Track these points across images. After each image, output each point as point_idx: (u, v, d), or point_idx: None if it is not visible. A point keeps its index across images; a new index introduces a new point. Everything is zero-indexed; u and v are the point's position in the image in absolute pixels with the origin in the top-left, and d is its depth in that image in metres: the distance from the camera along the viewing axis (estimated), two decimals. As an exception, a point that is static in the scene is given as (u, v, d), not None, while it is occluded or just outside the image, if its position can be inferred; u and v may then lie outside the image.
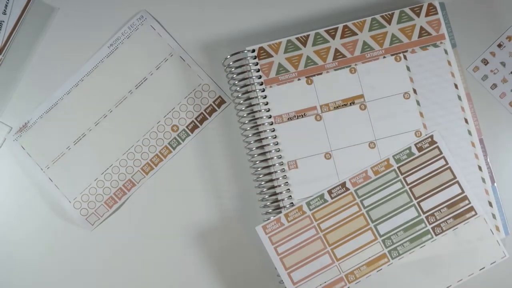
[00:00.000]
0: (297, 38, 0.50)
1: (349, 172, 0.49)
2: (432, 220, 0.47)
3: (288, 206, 0.48)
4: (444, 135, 0.48)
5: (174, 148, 0.53)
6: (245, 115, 0.50)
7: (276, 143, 0.49)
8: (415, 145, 0.48)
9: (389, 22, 0.49)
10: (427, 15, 0.49)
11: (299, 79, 0.49)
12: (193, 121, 0.52)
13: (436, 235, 0.47)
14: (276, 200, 0.49)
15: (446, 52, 0.49)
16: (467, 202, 0.47)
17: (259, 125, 0.49)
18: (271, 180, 0.49)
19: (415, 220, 0.48)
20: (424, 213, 0.48)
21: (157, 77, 0.53)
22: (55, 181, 0.53)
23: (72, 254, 0.53)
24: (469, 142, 0.48)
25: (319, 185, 0.48)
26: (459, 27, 0.51)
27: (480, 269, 0.47)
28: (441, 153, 0.48)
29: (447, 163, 0.48)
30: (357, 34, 0.49)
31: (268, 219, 0.48)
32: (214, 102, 0.53)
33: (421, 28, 0.49)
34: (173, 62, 0.53)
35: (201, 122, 0.52)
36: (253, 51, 0.50)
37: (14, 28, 0.53)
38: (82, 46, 0.53)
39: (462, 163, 0.48)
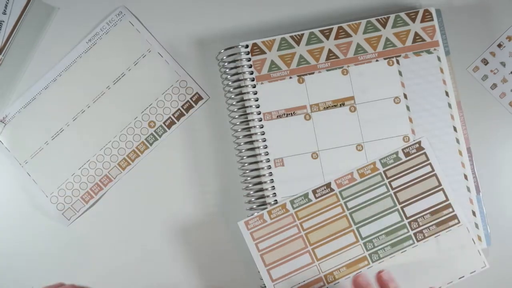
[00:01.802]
0: (291, 37, 0.50)
1: (335, 173, 0.49)
2: (414, 225, 0.47)
3: (272, 203, 0.48)
4: (432, 142, 0.48)
5: (151, 144, 0.53)
6: (235, 110, 0.50)
7: (264, 140, 0.49)
8: (402, 150, 0.48)
9: (384, 26, 0.49)
10: (422, 21, 0.49)
11: (290, 78, 0.49)
12: (170, 117, 0.53)
13: (417, 241, 0.47)
14: (262, 197, 0.49)
15: (439, 59, 0.49)
16: (450, 210, 0.47)
17: (249, 120, 0.50)
18: (257, 177, 0.49)
19: (397, 225, 0.48)
20: (407, 218, 0.48)
21: (135, 72, 0.53)
22: (33, 175, 0.53)
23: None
24: (456, 150, 0.48)
25: (305, 185, 0.49)
26: (458, 28, 0.52)
27: (460, 278, 0.47)
28: (427, 159, 0.48)
29: (433, 170, 0.48)
30: (351, 36, 0.49)
31: (252, 214, 0.48)
32: (191, 98, 0.53)
33: (416, 34, 0.49)
34: (151, 58, 0.53)
35: (178, 118, 0.53)
36: (247, 46, 0.50)
37: (14, 28, 0.53)
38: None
39: (448, 171, 0.48)
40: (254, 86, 0.49)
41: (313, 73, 0.49)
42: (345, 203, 0.48)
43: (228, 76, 0.50)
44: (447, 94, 0.49)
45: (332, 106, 0.49)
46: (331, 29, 0.50)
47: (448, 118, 0.49)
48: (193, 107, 0.53)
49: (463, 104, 0.50)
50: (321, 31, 0.50)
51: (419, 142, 0.48)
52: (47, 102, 0.53)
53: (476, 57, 0.52)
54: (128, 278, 0.52)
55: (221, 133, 0.52)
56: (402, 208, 0.48)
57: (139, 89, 0.53)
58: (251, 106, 0.49)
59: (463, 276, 0.47)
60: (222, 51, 0.50)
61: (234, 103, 0.50)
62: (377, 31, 0.49)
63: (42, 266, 0.53)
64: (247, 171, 0.49)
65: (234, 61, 0.50)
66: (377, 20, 0.49)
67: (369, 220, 0.48)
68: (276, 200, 0.48)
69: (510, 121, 0.52)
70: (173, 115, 0.53)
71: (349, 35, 0.49)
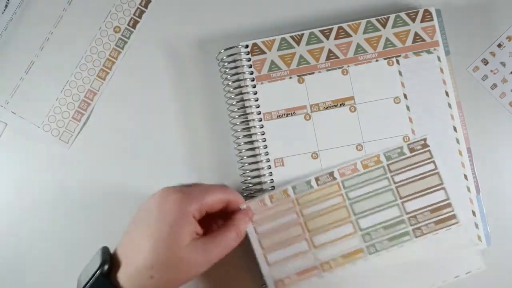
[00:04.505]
0: (291, 37, 0.50)
1: (335, 173, 0.49)
2: (413, 221, 0.47)
3: (272, 203, 0.48)
4: (432, 142, 0.48)
5: (122, 48, 0.54)
6: (235, 109, 0.50)
7: (264, 140, 0.49)
8: (408, 145, 0.48)
9: (384, 26, 0.49)
10: (422, 21, 0.49)
11: (290, 77, 0.49)
12: (132, 17, 0.54)
13: (416, 237, 0.47)
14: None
15: (439, 59, 0.49)
16: (450, 209, 0.47)
17: (249, 120, 0.50)
18: (257, 177, 0.49)
19: (396, 220, 0.47)
20: (406, 213, 0.47)
21: None
22: (19, 112, 0.54)
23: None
24: (456, 150, 0.48)
25: (305, 184, 0.49)
26: (458, 29, 0.51)
27: (455, 277, 0.47)
28: (431, 157, 0.48)
29: (436, 168, 0.48)
30: (351, 36, 0.49)
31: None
32: None
33: (416, 34, 0.49)
34: None
35: (140, 16, 0.54)
36: (247, 46, 0.50)
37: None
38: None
39: (448, 171, 0.48)
40: (254, 86, 0.49)
41: (313, 73, 0.49)
42: (346, 193, 0.48)
43: (228, 76, 0.50)
44: (447, 94, 0.49)
45: (332, 106, 0.49)
46: (331, 29, 0.50)
47: (448, 118, 0.49)
48: (150, 2, 0.54)
49: (463, 104, 0.50)
50: (321, 31, 0.50)
51: (425, 139, 0.48)
52: (11, 40, 0.54)
53: (476, 57, 0.52)
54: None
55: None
56: (402, 203, 0.47)
57: (95, 2, 0.54)
58: (251, 106, 0.49)
59: (458, 276, 0.47)
60: (222, 51, 0.50)
61: (234, 103, 0.50)
62: (377, 31, 0.49)
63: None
64: (247, 171, 0.49)
65: (234, 61, 0.50)
66: (377, 20, 0.49)
67: (369, 212, 0.47)
68: (276, 200, 0.48)
69: (510, 121, 0.52)
70: (133, 14, 0.54)
71: (349, 35, 0.49)
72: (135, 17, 0.54)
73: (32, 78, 0.54)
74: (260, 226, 0.47)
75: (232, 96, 0.50)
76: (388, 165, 0.48)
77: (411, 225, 0.47)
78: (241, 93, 0.50)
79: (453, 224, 0.47)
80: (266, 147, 0.49)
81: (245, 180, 0.49)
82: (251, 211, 0.47)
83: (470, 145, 0.49)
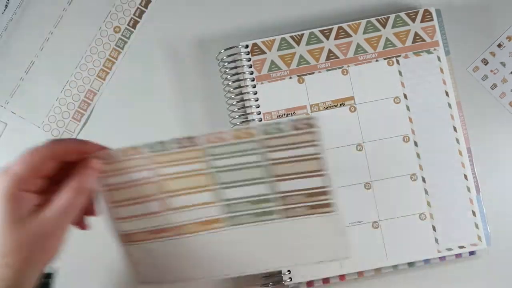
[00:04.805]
0: (291, 37, 0.50)
1: (335, 173, 0.48)
2: (283, 202, 0.44)
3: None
4: (432, 142, 0.48)
5: (122, 48, 0.54)
6: (235, 110, 0.50)
7: (264, 139, 0.49)
8: (291, 122, 0.42)
9: (384, 26, 0.49)
10: (422, 21, 0.49)
11: (290, 78, 0.49)
12: (132, 17, 0.54)
13: (283, 217, 0.44)
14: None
15: (439, 59, 0.49)
16: (326, 197, 0.43)
17: (249, 120, 0.50)
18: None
19: (265, 197, 0.43)
20: (277, 193, 0.43)
21: None
22: (19, 112, 0.54)
23: None
24: (456, 150, 0.48)
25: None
26: (458, 29, 0.52)
27: (318, 262, 0.44)
28: (315, 140, 0.42)
29: (318, 153, 0.43)
30: (351, 36, 0.49)
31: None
32: None
33: (416, 34, 0.49)
34: None
35: (140, 16, 0.54)
36: (247, 46, 0.50)
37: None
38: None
39: (448, 171, 0.48)
40: (254, 86, 0.49)
41: (313, 73, 0.49)
42: (211, 160, 0.43)
43: (228, 76, 0.50)
44: (447, 94, 0.49)
45: (332, 106, 0.49)
46: (331, 29, 0.50)
47: (448, 118, 0.49)
48: (150, 2, 0.54)
49: (463, 104, 0.50)
50: (321, 31, 0.50)
51: (312, 119, 0.41)
52: (11, 40, 0.54)
53: (476, 57, 0.52)
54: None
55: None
56: (274, 181, 0.43)
57: (95, 2, 0.54)
58: (251, 106, 0.49)
59: (322, 261, 0.44)
60: (222, 51, 0.50)
61: (234, 103, 0.50)
62: (377, 31, 0.49)
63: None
64: (247, 171, 0.49)
65: (234, 61, 0.50)
66: (377, 20, 0.49)
67: (237, 184, 0.43)
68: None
69: (510, 121, 0.52)
70: (133, 14, 0.54)
71: (349, 35, 0.49)
72: (135, 17, 0.54)
73: (32, 78, 0.54)
74: (112, 178, 0.43)
75: (232, 96, 0.50)
76: (265, 140, 0.42)
77: (280, 205, 0.44)
78: (241, 93, 0.50)
79: (327, 212, 0.43)
80: (266, 147, 0.49)
81: (245, 180, 0.49)
82: (96, 161, 0.42)
83: (470, 145, 0.49)
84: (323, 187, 0.43)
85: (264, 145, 0.43)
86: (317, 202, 0.44)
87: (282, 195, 0.44)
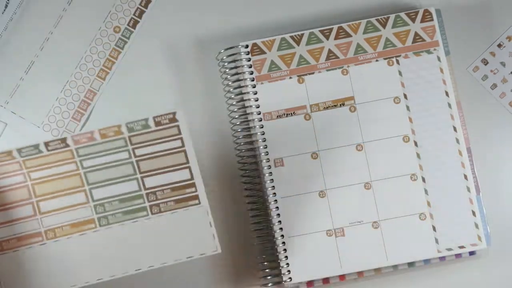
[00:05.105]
0: (291, 37, 0.50)
1: (336, 173, 0.49)
2: (152, 198, 0.44)
3: (272, 202, 0.48)
4: (432, 142, 0.49)
5: (122, 48, 0.54)
6: (235, 110, 0.50)
7: (264, 140, 0.49)
8: (154, 118, 0.43)
9: (384, 26, 0.49)
10: (422, 21, 0.49)
11: (290, 78, 0.49)
12: (132, 17, 0.54)
13: (152, 214, 0.44)
14: (261, 196, 0.49)
15: (439, 59, 0.49)
16: (193, 189, 0.44)
17: (249, 120, 0.50)
18: (257, 177, 0.49)
19: (134, 194, 0.44)
20: (145, 189, 0.44)
21: None
22: (19, 112, 0.54)
23: None
24: (456, 150, 0.48)
25: (305, 184, 0.49)
26: (458, 29, 0.52)
27: (188, 257, 0.45)
28: (179, 133, 0.44)
29: (183, 146, 0.44)
30: (351, 36, 0.49)
31: (251, 210, 0.48)
32: None
33: (416, 34, 0.49)
34: None
35: (140, 16, 0.54)
36: (247, 46, 0.50)
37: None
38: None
39: (448, 171, 0.48)
40: (254, 86, 0.49)
41: (313, 73, 0.49)
42: (80, 161, 0.44)
43: (228, 76, 0.50)
44: (447, 94, 0.49)
45: (332, 106, 0.49)
46: (331, 29, 0.50)
47: (448, 118, 0.49)
48: (150, 1, 0.54)
49: (463, 104, 0.50)
50: (321, 31, 0.50)
51: (174, 113, 0.43)
52: (11, 40, 0.54)
53: (476, 57, 0.52)
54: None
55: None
56: (142, 178, 0.44)
57: (95, 2, 0.54)
58: (251, 106, 0.49)
59: (192, 256, 0.45)
60: (222, 51, 0.51)
61: (234, 103, 0.50)
62: (377, 31, 0.49)
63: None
64: (247, 171, 0.49)
65: (234, 61, 0.50)
66: (377, 20, 0.49)
67: (104, 183, 0.44)
68: (276, 200, 0.48)
69: (510, 121, 0.52)
70: (133, 14, 0.54)
71: (349, 35, 0.49)
72: (135, 17, 0.54)
73: (32, 78, 0.54)
74: None
75: (232, 96, 0.50)
76: (130, 137, 0.44)
77: (149, 201, 0.44)
78: (241, 93, 0.50)
79: (194, 205, 0.44)
80: (266, 147, 0.49)
81: (246, 180, 0.49)
82: None
83: (470, 145, 0.49)
84: (190, 179, 0.44)
85: (131, 142, 0.43)
86: (184, 195, 0.44)
87: (150, 191, 0.44)
